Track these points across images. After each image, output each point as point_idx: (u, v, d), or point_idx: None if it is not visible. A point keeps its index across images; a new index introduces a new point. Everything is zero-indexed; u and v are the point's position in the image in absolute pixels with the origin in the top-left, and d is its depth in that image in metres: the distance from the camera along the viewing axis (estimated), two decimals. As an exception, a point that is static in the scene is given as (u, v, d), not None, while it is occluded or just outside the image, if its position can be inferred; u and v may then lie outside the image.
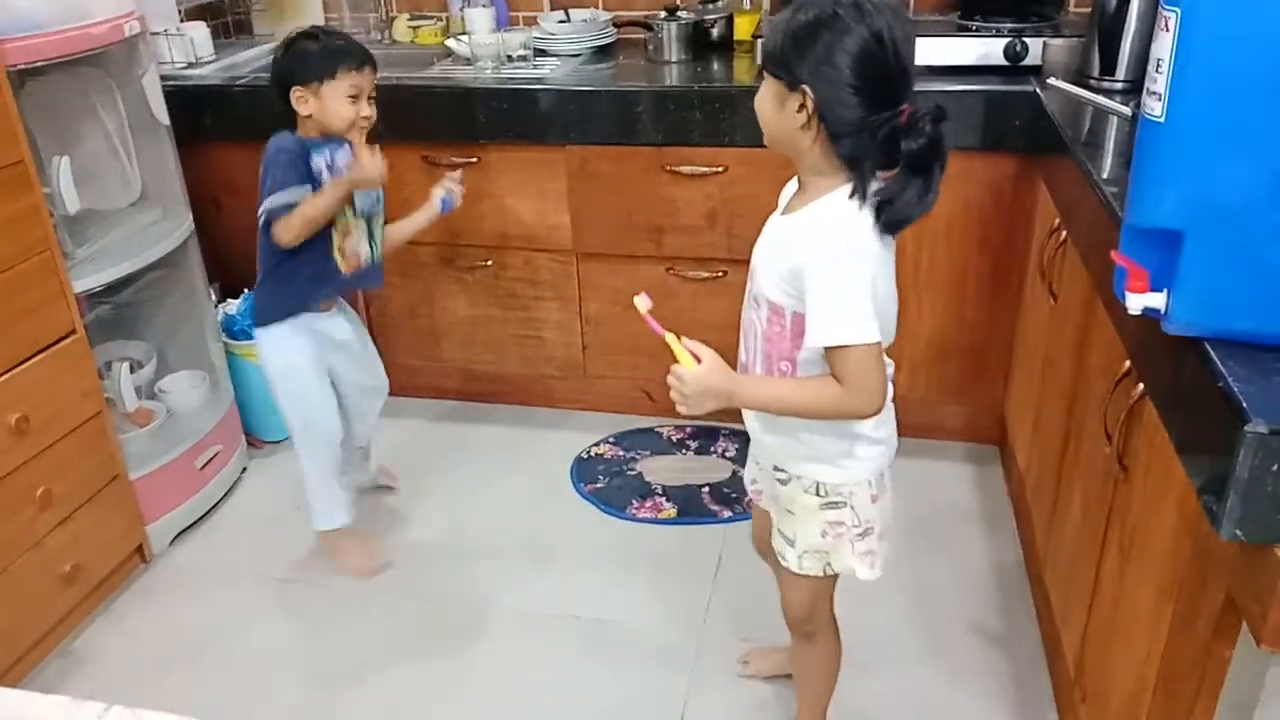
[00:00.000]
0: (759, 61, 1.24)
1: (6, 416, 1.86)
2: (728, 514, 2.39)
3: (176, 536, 2.35)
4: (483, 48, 2.59)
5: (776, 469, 1.48)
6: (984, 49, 2.32)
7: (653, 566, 2.22)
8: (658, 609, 2.11)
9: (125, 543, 2.20)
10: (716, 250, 2.45)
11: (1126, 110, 1.94)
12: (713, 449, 2.65)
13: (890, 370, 1.34)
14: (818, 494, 1.44)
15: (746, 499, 2.33)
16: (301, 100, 1.90)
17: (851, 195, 1.28)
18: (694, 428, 2.73)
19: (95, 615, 2.14)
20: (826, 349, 1.27)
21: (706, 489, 2.49)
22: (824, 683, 1.71)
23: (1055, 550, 1.88)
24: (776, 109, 1.29)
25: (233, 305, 2.63)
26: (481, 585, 2.21)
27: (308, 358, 2.09)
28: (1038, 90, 2.16)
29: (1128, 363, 1.38)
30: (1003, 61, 2.30)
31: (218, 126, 2.59)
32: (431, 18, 2.98)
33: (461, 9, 2.84)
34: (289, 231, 1.90)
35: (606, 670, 1.97)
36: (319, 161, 1.94)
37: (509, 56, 2.60)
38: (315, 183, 1.93)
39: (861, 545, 1.46)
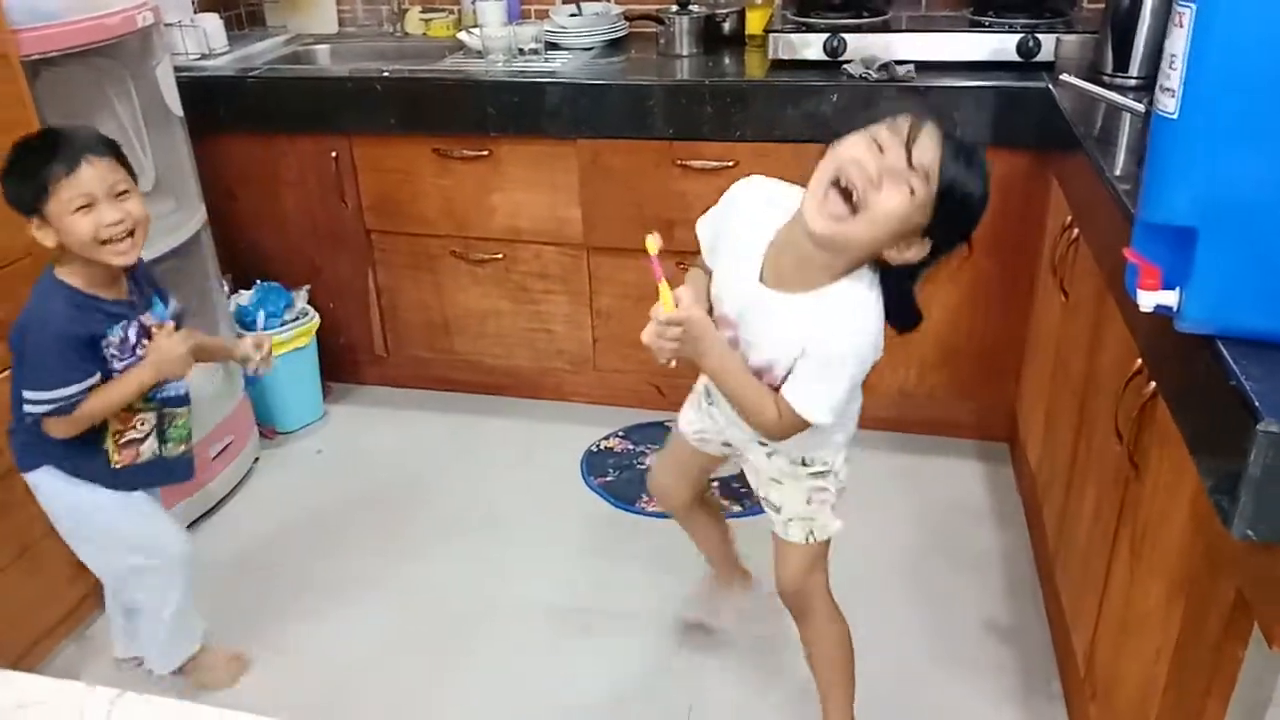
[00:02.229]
0: (926, 167, 1.17)
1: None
2: (737, 509, 2.39)
3: (190, 525, 2.37)
4: (494, 41, 2.59)
5: (761, 441, 1.51)
6: (997, 45, 2.31)
7: (662, 560, 2.23)
8: (667, 602, 2.11)
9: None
10: (727, 245, 2.45)
11: (1140, 107, 1.93)
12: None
13: None
14: (804, 464, 1.51)
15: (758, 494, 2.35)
16: (41, 230, 1.49)
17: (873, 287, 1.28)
18: (703, 422, 2.73)
19: (107, 603, 2.16)
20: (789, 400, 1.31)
21: (716, 484, 2.49)
22: (838, 668, 1.69)
23: (1066, 548, 1.87)
24: (888, 235, 1.21)
25: (245, 296, 2.65)
26: (490, 577, 2.22)
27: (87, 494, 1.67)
28: (1050, 87, 2.15)
29: (1139, 361, 1.38)
30: (1015, 57, 2.30)
31: (230, 118, 2.60)
32: (443, 10, 2.98)
33: (473, 2, 2.84)
34: (64, 428, 1.55)
35: (614, 663, 1.97)
36: (110, 340, 1.56)
37: (520, 50, 2.60)
38: (103, 361, 1.56)
39: (837, 504, 1.56)
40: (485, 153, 2.51)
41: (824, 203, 1.19)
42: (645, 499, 2.44)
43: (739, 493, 2.45)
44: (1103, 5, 2.21)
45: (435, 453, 2.68)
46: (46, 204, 1.47)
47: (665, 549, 2.26)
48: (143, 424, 1.65)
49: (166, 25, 2.47)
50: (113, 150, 1.53)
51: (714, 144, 2.36)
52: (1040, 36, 2.27)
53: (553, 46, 2.67)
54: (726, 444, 1.65)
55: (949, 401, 2.57)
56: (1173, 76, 1.06)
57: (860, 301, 1.28)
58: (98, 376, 1.54)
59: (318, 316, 2.73)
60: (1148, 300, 1.12)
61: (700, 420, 1.67)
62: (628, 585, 2.17)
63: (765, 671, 1.94)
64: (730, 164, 2.36)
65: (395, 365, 2.93)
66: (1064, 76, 2.17)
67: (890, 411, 2.62)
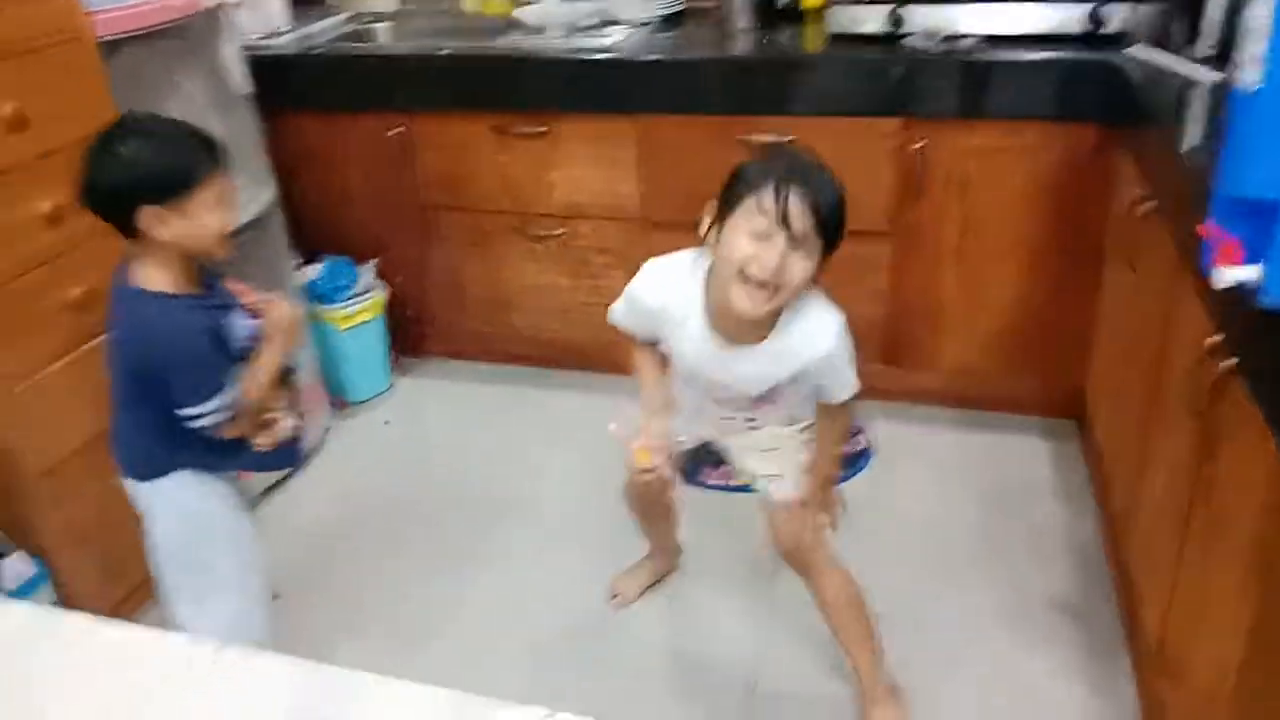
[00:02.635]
0: (805, 234, 1.30)
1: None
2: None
3: (264, 493, 2.43)
4: (552, 17, 2.60)
5: (748, 420, 1.65)
6: (1063, 16, 2.26)
7: (723, 532, 2.24)
8: (727, 574, 2.13)
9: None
10: (786, 220, 2.44)
11: (1214, 78, 1.88)
12: (778, 420, 2.66)
13: None
14: (793, 423, 1.66)
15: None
16: (158, 220, 1.38)
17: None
18: (759, 398, 2.73)
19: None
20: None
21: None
22: (852, 612, 1.73)
23: (1135, 525, 1.85)
24: (810, 277, 1.36)
25: (314, 270, 2.70)
26: (550, 549, 2.26)
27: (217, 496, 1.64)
28: (1119, 59, 2.11)
29: (1215, 337, 1.36)
30: (1084, 28, 2.25)
31: (294, 96, 2.64)
32: (501, -13, 2.99)
33: (531, -22, 2.85)
34: (240, 425, 1.52)
35: (675, 635, 2.00)
36: (238, 327, 1.53)
37: (577, 26, 2.60)
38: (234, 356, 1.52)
39: None
40: (543, 129, 2.52)
41: (750, 295, 1.34)
42: (706, 471, 2.46)
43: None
44: (1175, -27, 2.15)
45: (496, 424, 2.72)
46: (190, 194, 1.38)
47: (723, 520, 2.27)
48: (275, 400, 1.61)
49: (232, 5, 2.50)
50: None
51: (772, 119, 2.34)
52: (1109, 7, 2.22)
53: (610, 22, 2.67)
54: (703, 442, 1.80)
55: (1015, 378, 2.54)
56: (1255, 47, 1.04)
57: (821, 310, 1.46)
58: (226, 392, 1.48)
59: (385, 290, 2.77)
60: (1226, 275, 1.11)
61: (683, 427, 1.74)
62: (687, 556, 2.19)
63: (827, 643, 1.94)
64: (789, 138, 2.34)
65: (458, 339, 2.97)
66: (1134, 48, 2.12)
67: (955, 388, 2.60)
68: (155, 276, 1.43)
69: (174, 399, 1.44)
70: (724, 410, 1.66)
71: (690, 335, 1.49)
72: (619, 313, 1.61)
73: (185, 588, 1.64)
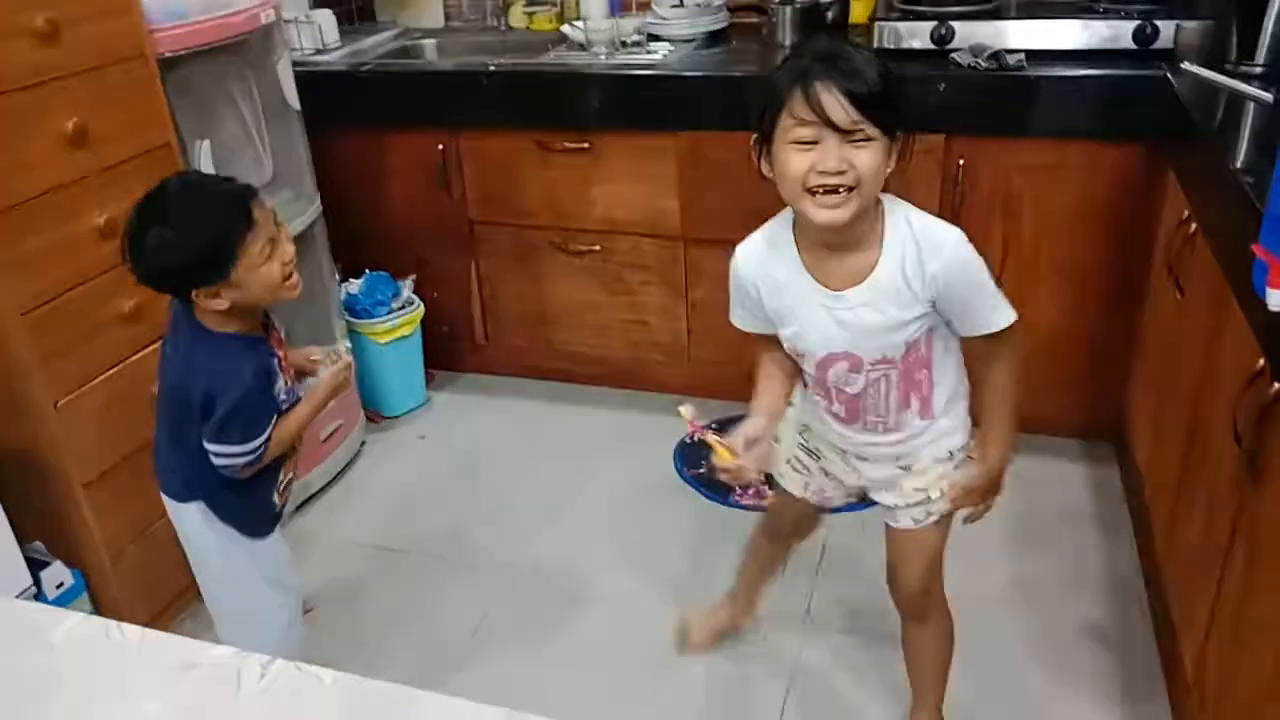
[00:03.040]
0: (854, 124, 1.16)
1: (152, 386, 1.97)
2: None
3: (300, 505, 2.47)
4: (597, 33, 2.62)
5: (899, 461, 1.47)
6: (1112, 31, 2.24)
7: (755, 552, 2.23)
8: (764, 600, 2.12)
9: (253, 508, 2.32)
10: (826, 237, 2.44)
11: (1267, 96, 1.85)
12: (817, 437, 2.64)
13: None
14: (950, 458, 1.47)
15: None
16: (213, 298, 1.39)
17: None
18: (798, 415, 2.72)
19: (225, 575, 2.27)
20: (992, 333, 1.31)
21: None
22: (941, 668, 1.69)
23: (1174, 552, 1.82)
24: (884, 168, 1.22)
25: (354, 285, 2.74)
26: (582, 565, 2.26)
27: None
28: (1169, 75, 2.08)
29: (1263, 361, 1.33)
30: (1132, 45, 2.22)
31: (342, 111, 2.69)
32: (547, 3, 3.03)
33: (577, -5, 2.88)
34: (254, 468, 1.51)
35: (708, 657, 1.99)
36: (279, 386, 1.53)
37: (623, 42, 2.63)
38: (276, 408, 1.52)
39: None
40: (586, 145, 2.54)
41: (826, 207, 1.20)
42: (739, 491, 2.45)
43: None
44: (1227, -10, 2.13)
45: (532, 440, 2.73)
46: (233, 267, 1.37)
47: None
48: (292, 461, 1.64)
49: (284, 21, 2.56)
50: (250, 185, 1.46)
51: (815, 136, 2.34)
52: (1159, 23, 2.19)
53: (655, 38, 2.69)
54: (863, 486, 1.57)
55: (1054, 399, 2.51)
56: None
57: (909, 218, 1.28)
58: (264, 438, 1.49)
59: (422, 305, 2.81)
60: (1278, 298, 1.09)
61: (809, 479, 1.63)
62: (719, 576, 2.18)
63: (864, 672, 1.93)
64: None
65: (495, 353, 2.99)
66: (1184, 64, 2.09)
67: (991, 408, 2.57)
68: (222, 320, 1.45)
69: (211, 435, 1.45)
70: (866, 436, 1.45)
71: (798, 294, 1.33)
72: (734, 312, 1.46)
73: (222, 606, 1.70)
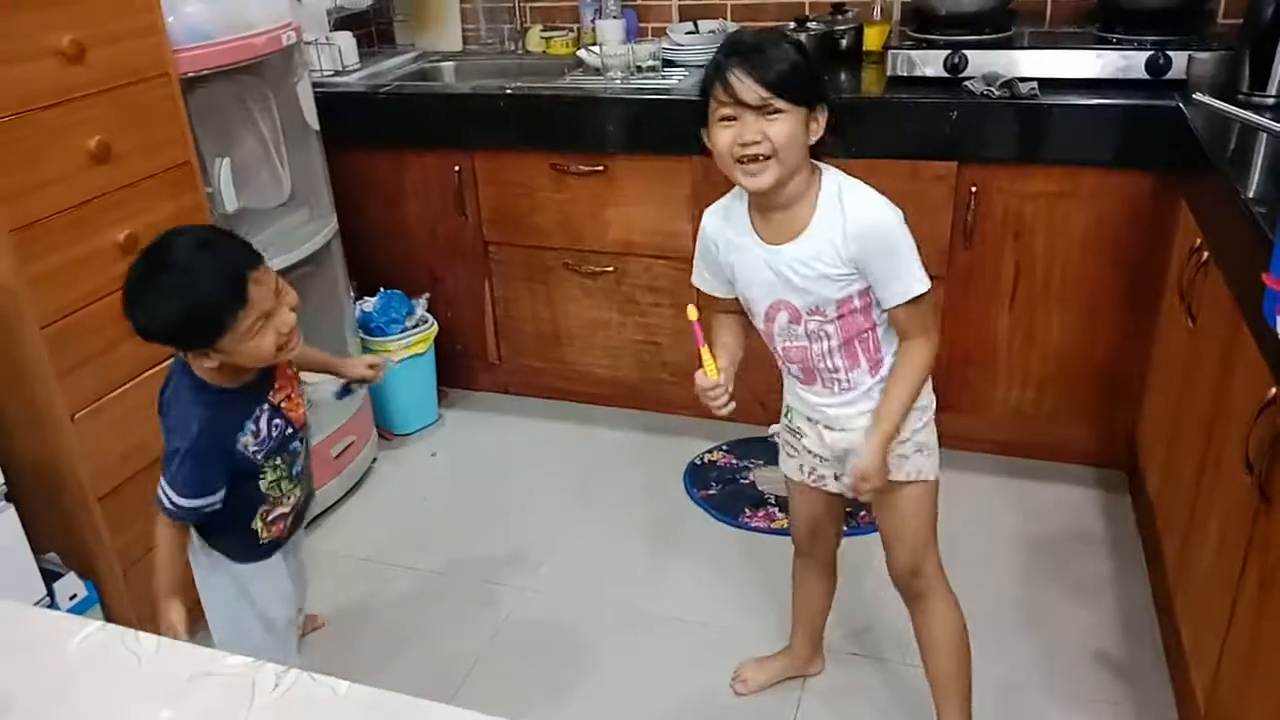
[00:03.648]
0: (763, 101, 1.34)
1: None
2: (843, 528, 2.37)
3: (311, 522, 2.47)
4: (613, 58, 2.65)
5: (862, 425, 1.54)
6: (1124, 62, 2.25)
7: (763, 576, 2.23)
8: (767, 618, 2.11)
9: (264, 524, 2.33)
10: (838, 262, 2.45)
11: (1278, 127, 1.86)
12: (827, 461, 2.64)
13: None
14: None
15: (861, 514, 2.33)
16: (201, 358, 1.42)
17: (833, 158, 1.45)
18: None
19: (235, 590, 2.28)
20: (906, 304, 1.43)
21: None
22: (955, 663, 1.66)
23: (1186, 581, 1.81)
24: (802, 135, 1.37)
25: (369, 303, 2.76)
26: (591, 584, 2.26)
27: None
28: (1181, 105, 2.09)
29: (1274, 390, 1.33)
30: (1144, 75, 2.24)
31: (360, 132, 2.72)
32: (564, 29, 3.06)
33: (593, 21, 2.91)
34: (167, 530, 1.51)
35: (713, 677, 1.98)
36: (245, 440, 1.50)
37: (638, 67, 2.65)
38: (235, 464, 1.50)
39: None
40: (601, 168, 2.56)
41: (750, 173, 1.38)
42: (748, 513, 2.45)
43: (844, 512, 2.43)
44: (1240, 21, 2.14)
45: (542, 460, 2.74)
46: (222, 338, 1.38)
47: (766, 563, 2.26)
48: (290, 497, 1.62)
49: (305, 43, 2.60)
50: (258, 254, 1.43)
51: (827, 160, 2.35)
52: (1171, 53, 2.21)
53: (669, 64, 2.71)
54: (838, 460, 1.63)
55: (1066, 426, 2.51)
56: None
57: (839, 184, 1.43)
58: (220, 495, 1.48)
59: (436, 324, 2.83)
60: (1286, 327, 1.09)
61: (800, 460, 1.68)
62: (727, 599, 2.19)
63: (875, 693, 1.92)
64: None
65: (507, 373, 3.01)
66: (1196, 95, 2.10)
67: (1004, 434, 2.57)
68: (204, 371, 1.46)
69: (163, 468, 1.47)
70: (826, 398, 1.55)
71: (744, 248, 1.50)
72: (697, 274, 1.62)
73: (216, 639, 1.69)
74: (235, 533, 1.59)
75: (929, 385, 1.57)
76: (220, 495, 1.49)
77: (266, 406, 1.52)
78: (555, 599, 2.22)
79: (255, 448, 1.51)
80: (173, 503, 1.47)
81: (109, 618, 1.99)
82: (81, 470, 1.87)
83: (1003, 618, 2.09)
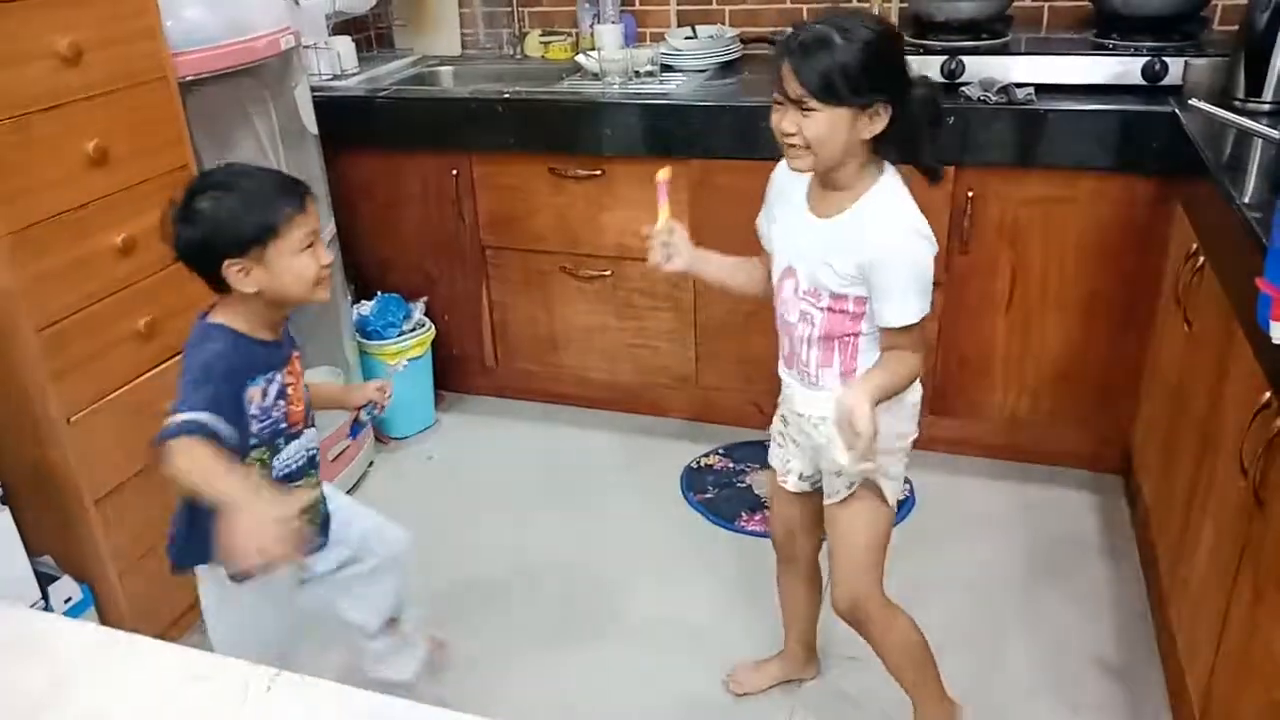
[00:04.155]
0: (799, 97, 1.36)
1: (163, 403, 1.97)
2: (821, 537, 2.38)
3: (306, 524, 2.48)
4: (611, 63, 2.66)
5: (815, 364, 1.56)
6: (1121, 68, 2.26)
7: (760, 579, 2.23)
8: (764, 622, 2.11)
9: (260, 527, 2.32)
10: (835, 266, 2.45)
11: (1274, 133, 1.87)
12: (824, 465, 2.65)
13: None
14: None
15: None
16: (242, 274, 1.36)
17: (909, 166, 1.47)
18: (805, 443, 2.73)
19: (231, 594, 2.27)
20: (895, 329, 1.45)
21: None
22: (913, 667, 1.70)
23: (1182, 585, 1.81)
24: (845, 131, 1.39)
25: (366, 306, 2.76)
26: (589, 588, 2.26)
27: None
28: (1177, 111, 2.10)
29: (1269, 394, 1.34)
30: (1140, 81, 2.24)
31: (359, 135, 2.73)
32: (562, 34, 3.07)
33: (591, 26, 2.92)
34: (179, 460, 1.27)
35: (710, 680, 1.98)
36: (254, 392, 1.40)
37: (636, 72, 2.66)
38: (239, 417, 1.39)
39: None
40: (599, 172, 2.57)
41: (789, 156, 1.45)
42: (744, 517, 2.46)
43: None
44: (1236, 28, 2.15)
45: (539, 463, 2.74)
46: (270, 243, 1.35)
47: (763, 566, 2.26)
48: (312, 507, 1.52)
49: (304, 47, 2.60)
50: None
51: (825, 166, 2.36)
52: (1167, 60, 2.22)
53: (668, 69, 2.72)
54: (815, 470, 1.67)
55: (1062, 430, 2.51)
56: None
57: (890, 194, 1.45)
58: (231, 430, 1.34)
59: (433, 327, 2.83)
60: None
61: (786, 451, 1.71)
62: (724, 602, 2.19)
63: (867, 699, 1.92)
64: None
65: (504, 377, 3.01)
66: (1192, 101, 2.11)
67: (1001, 439, 2.57)
68: (228, 315, 1.42)
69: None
70: (800, 389, 1.59)
71: (792, 208, 1.54)
72: (760, 218, 1.65)
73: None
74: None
75: (913, 417, 1.59)
76: (232, 430, 1.34)
77: (277, 379, 1.44)
78: (551, 602, 2.22)
79: (257, 411, 1.41)
80: (184, 420, 1.30)
81: (104, 621, 1.99)
82: (77, 473, 1.86)
83: (998, 621, 2.09)
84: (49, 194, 1.74)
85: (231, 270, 1.36)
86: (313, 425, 1.56)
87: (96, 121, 1.81)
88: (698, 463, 2.70)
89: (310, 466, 1.56)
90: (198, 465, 1.27)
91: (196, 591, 1.68)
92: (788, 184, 1.55)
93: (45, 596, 1.89)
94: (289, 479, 1.51)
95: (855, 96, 1.35)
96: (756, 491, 2.55)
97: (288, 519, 1.20)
